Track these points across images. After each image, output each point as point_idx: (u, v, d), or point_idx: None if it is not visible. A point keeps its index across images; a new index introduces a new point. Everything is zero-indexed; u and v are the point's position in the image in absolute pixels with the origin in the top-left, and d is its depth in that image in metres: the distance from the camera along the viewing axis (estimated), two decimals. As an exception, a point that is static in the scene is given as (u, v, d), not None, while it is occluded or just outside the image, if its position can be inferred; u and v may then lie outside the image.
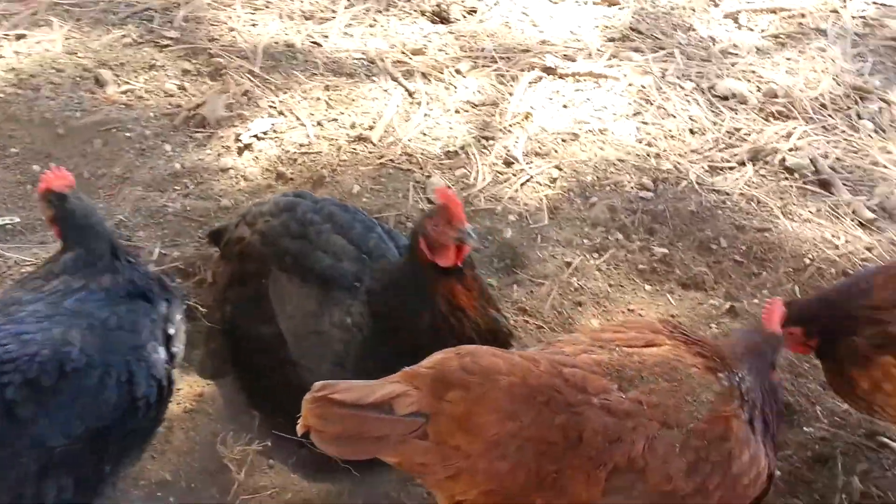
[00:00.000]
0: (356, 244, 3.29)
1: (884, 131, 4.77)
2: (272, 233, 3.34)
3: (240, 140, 4.42)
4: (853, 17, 5.65)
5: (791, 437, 3.45)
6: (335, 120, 4.54)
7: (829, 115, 4.85)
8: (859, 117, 4.86)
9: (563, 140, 4.50)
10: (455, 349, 2.23)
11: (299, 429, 2.15)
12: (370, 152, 4.36)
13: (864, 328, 2.92)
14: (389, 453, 2.11)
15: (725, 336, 2.71)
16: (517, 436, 2.08)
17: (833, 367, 3.10)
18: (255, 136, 4.43)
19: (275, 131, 4.47)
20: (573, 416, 2.12)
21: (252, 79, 4.71)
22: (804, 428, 3.49)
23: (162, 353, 2.81)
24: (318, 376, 3.21)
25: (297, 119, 4.53)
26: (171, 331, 2.87)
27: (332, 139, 4.43)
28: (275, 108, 4.58)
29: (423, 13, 5.41)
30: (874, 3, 5.79)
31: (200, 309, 3.62)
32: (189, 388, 3.38)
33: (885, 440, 3.43)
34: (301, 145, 4.39)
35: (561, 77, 4.95)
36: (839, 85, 5.07)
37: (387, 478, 3.19)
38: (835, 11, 5.69)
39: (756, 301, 3.89)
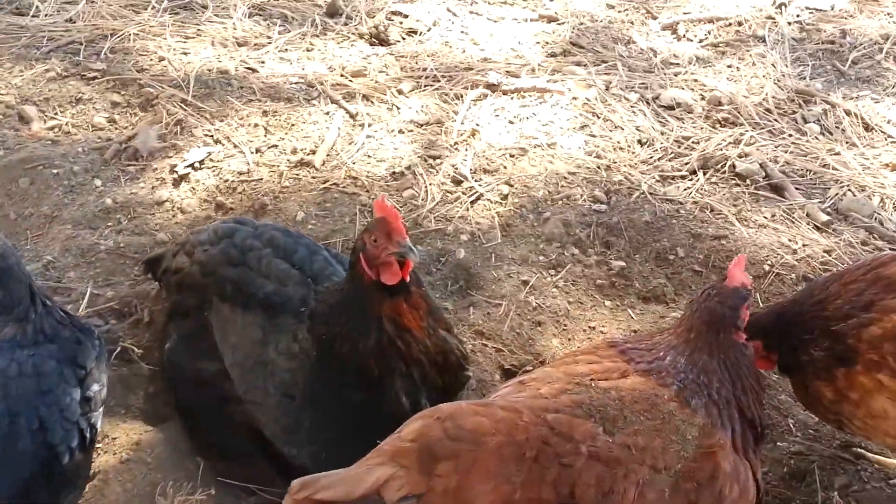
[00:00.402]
0: (301, 268, 3.14)
1: (830, 133, 4.77)
2: (211, 262, 3.17)
3: (175, 171, 4.21)
4: (789, 24, 5.71)
5: (765, 454, 3.33)
6: (275, 146, 4.36)
7: (775, 120, 4.85)
8: (805, 121, 4.87)
9: (512, 156, 4.39)
10: (432, 412, 2.08)
11: None
12: (313, 177, 4.18)
13: (821, 340, 2.82)
14: None
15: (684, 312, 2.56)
16: (511, 500, 1.97)
17: (797, 381, 3.00)
18: (191, 165, 4.22)
19: (212, 160, 4.26)
20: (563, 469, 2.02)
21: (185, 108, 4.51)
22: (778, 443, 3.38)
23: (76, 395, 2.59)
24: (265, 411, 3.06)
25: (235, 146, 4.33)
26: (82, 373, 2.65)
27: (273, 165, 4.24)
28: (211, 136, 4.38)
29: (360, 36, 5.29)
30: (807, 8, 5.87)
31: (136, 350, 3.38)
32: (126, 436, 3.13)
33: (862, 451, 3.33)
34: (240, 173, 4.19)
35: (505, 94, 4.86)
36: (782, 89, 5.08)
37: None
38: (771, 18, 5.74)
39: (718, 309, 3.80)
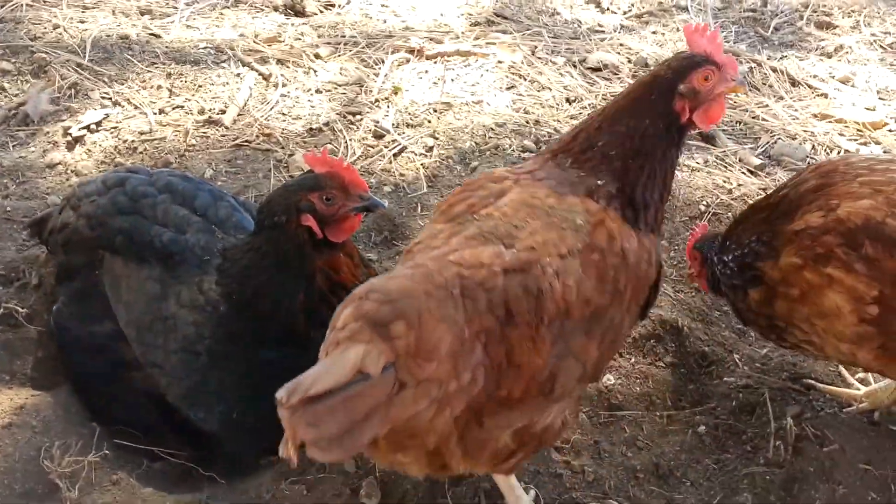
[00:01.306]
0: (204, 214, 2.83)
1: (758, 89, 4.71)
2: (99, 213, 2.84)
3: (69, 134, 3.86)
4: (710, -4, 5.70)
5: (711, 389, 3.15)
6: (181, 107, 4.05)
7: (702, 78, 4.76)
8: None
9: (436, 111, 4.18)
10: (350, 299, 1.95)
11: (289, 451, 1.82)
12: (223, 135, 3.89)
13: (743, 235, 2.74)
14: (383, 424, 1.88)
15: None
16: (463, 338, 1.95)
17: (738, 296, 2.82)
18: (87, 128, 3.88)
19: (110, 122, 3.92)
20: (489, 292, 2.00)
21: (81, 71, 4.17)
22: (724, 378, 3.19)
23: None
24: (166, 372, 2.72)
25: (136, 108, 4.01)
26: None
27: (178, 125, 3.93)
28: (109, 98, 4.05)
29: (275, 8, 5.04)
30: (728, -18, 5.89)
31: (19, 310, 3.00)
32: (9, 400, 2.74)
33: (812, 382, 3.17)
34: (141, 133, 3.86)
35: (428, 58, 4.67)
36: (707, 51, 5.01)
37: (257, 481, 2.64)
38: (693, -10, 5.73)
39: (656, 252, 3.63)
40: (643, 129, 2.32)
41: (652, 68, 2.45)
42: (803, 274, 2.54)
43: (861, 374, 3.26)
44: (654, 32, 5.24)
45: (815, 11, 5.40)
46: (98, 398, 2.90)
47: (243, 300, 2.62)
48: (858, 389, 3.13)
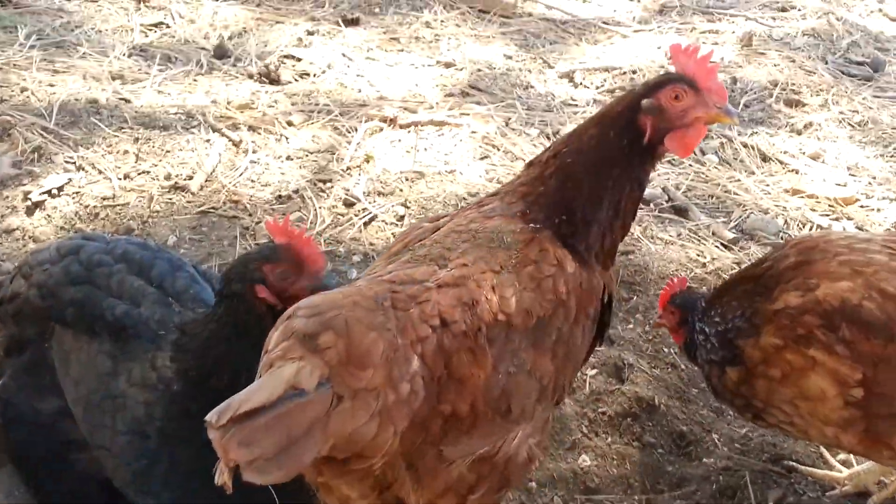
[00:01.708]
0: (160, 285, 2.69)
1: (729, 164, 4.73)
2: (51, 282, 2.68)
3: (29, 198, 3.75)
4: (681, 72, 5.79)
5: (690, 472, 3.04)
6: (147, 172, 3.96)
7: (675, 152, 4.78)
8: (703, 153, 4.83)
9: (408, 179, 4.12)
10: (281, 318, 1.91)
11: (223, 475, 1.74)
12: (188, 202, 3.79)
13: (724, 311, 2.67)
14: (323, 441, 1.79)
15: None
16: (396, 347, 1.90)
17: (714, 372, 2.74)
18: (48, 192, 3.77)
19: (73, 186, 3.82)
20: (422, 305, 1.96)
21: (46, 135, 4.08)
22: (703, 459, 3.09)
23: None
24: (113, 454, 2.55)
25: (100, 172, 3.92)
26: None
27: (143, 191, 3.83)
28: (73, 163, 3.96)
29: (250, 76, 5.03)
30: (698, 60, 5.99)
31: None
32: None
33: (793, 464, 3.07)
34: (104, 198, 3.76)
35: (402, 127, 4.65)
36: (679, 126, 5.05)
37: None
38: (663, 68, 5.81)
39: (630, 326, 3.55)
40: (606, 140, 2.22)
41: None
42: (784, 355, 2.46)
43: (843, 456, 3.16)
44: (626, 106, 5.28)
45: (784, 90, 5.49)
46: (42, 480, 2.72)
47: (202, 374, 2.48)
48: (841, 472, 3.03)
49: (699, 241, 4.00)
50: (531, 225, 2.22)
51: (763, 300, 2.56)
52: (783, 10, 6.56)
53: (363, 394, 1.82)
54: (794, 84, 5.54)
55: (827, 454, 3.14)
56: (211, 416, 1.71)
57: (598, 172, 2.23)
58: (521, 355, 2.06)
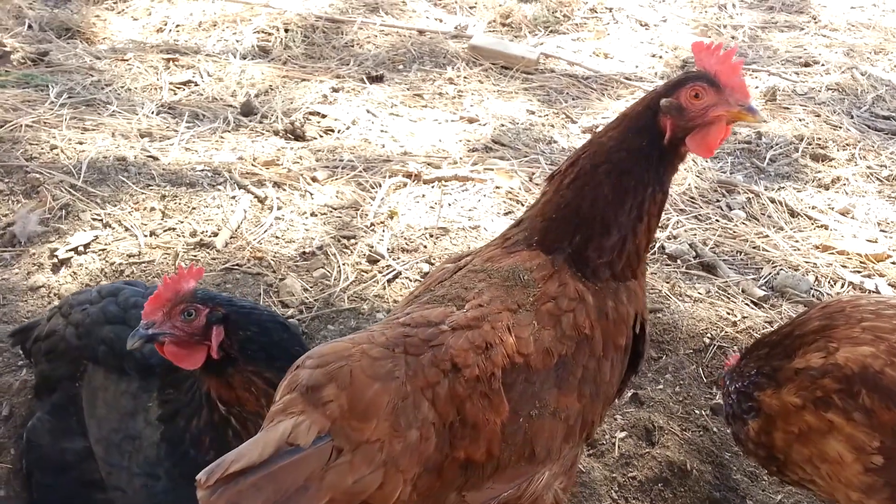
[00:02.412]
0: None
1: (756, 219, 4.68)
2: (87, 322, 2.75)
3: (55, 256, 3.76)
4: (705, 127, 5.77)
5: (725, 539, 2.92)
6: (172, 229, 3.98)
7: (700, 207, 4.74)
8: (730, 208, 4.78)
9: (432, 235, 4.10)
10: (292, 367, 1.89)
11: None
12: (213, 258, 3.79)
13: (747, 365, 2.68)
14: (319, 496, 1.76)
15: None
16: (405, 394, 1.86)
17: (738, 426, 2.72)
18: (74, 250, 3.78)
19: (99, 244, 3.84)
20: (435, 349, 1.92)
21: (73, 192, 4.12)
22: (738, 527, 2.98)
23: None
24: (129, 498, 2.53)
25: (127, 230, 3.93)
26: None
27: (168, 248, 3.84)
28: (100, 220, 3.98)
29: (275, 133, 5.08)
30: (721, 114, 5.98)
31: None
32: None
33: (827, 530, 2.95)
34: (129, 256, 3.77)
35: (426, 182, 4.65)
36: (704, 181, 5.02)
37: None
38: (687, 122, 5.80)
39: (660, 387, 3.47)
40: (626, 142, 2.17)
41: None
42: (803, 415, 2.41)
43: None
44: (650, 161, 5.26)
45: (810, 144, 5.45)
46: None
47: (171, 416, 2.54)
48: (884, 544, 2.91)
49: (728, 298, 3.92)
50: (550, 256, 2.16)
51: (785, 360, 2.52)
52: (806, 65, 6.55)
53: (365, 446, 1.80)
54: (819, 138, 5.50)
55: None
56: (201, 476, 1.71)
57: (620, 173, 2.17)
58: (543, 397, 2.01)
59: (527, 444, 1.99)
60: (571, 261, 2.17)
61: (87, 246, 3.81)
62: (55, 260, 3.75)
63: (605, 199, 2.19)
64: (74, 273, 3.70)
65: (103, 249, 3.81)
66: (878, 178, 5.16)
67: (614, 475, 3.09)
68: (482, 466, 1.96)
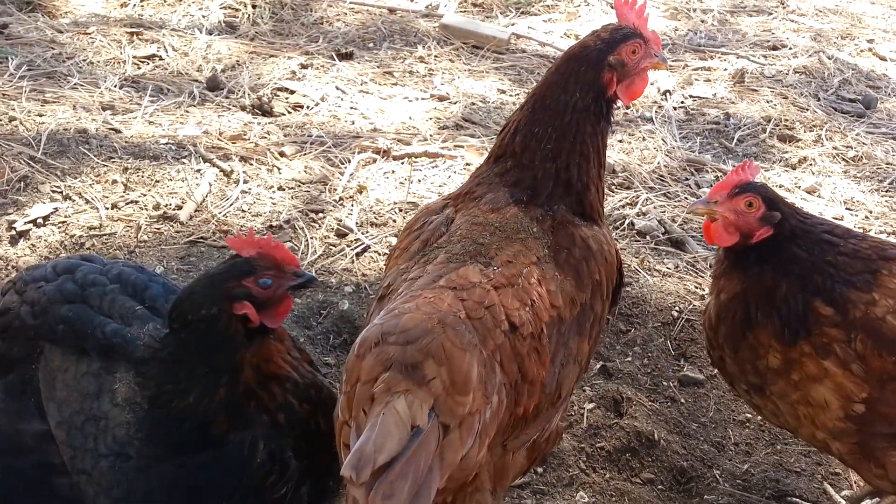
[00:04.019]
0: (153, 306, 2.64)
1: (724, 197, 4.69)
2: (44, 300, 2.63)
3: (13, 228, 3.67)
4: (674, 108, 5.79)
5: (691, 508, 2.94)
6: (135, 202, 3.90)
7: (669, 185, 4.75)
8: (698, 186, 4.80)
9: (402, 210, 4.07)
10: (364, 345, 1.86)
11: None
12: (177, 232, 3.72)
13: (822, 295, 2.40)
14: (441, 475, 1.79)
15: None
16: (484, 361, 1.88)
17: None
18: (33, 222, 3.69)
19: (59, 216, 3.74)
20: (490, 309, 1.96)
21: (32, 164, 4.01)
22: (705, 496, 3.00)
23: None
24: (95, 480, 2.46)
25: (88, 202, 3.84)
26: None
27: (130, 220, 3.76)
28: (59, 192, 3.89)
29: (242, 108, 4.99)
30: (690, 96, 5.99)
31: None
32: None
33: (796, 500, 2.99)
34: (90, 228, 3.69)
35: (395, 159, 4.61)
36: (673, 160, 5.04)
37: None
38: (656, 103, 5.82)
39: (629, 359, 3.47)
40: (573, 104, 2.29)
41: (580, 39, 2.46)
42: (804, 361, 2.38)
43: (847, 492, 3.07)
44: (620, 141, 5.26)
45: (778, 125, 5.49)
46: (20, 506, 2.62)
47: (165, 399, 2.44)
48: (846, 508, 2.94)
49: (697, 273, 3.94)
50: (546, 209, 2.25)
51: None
52: (774, 48, 6.60)
53: (468, 419, 1.82)
54: (787, 120, 5.54)
55: (831, 490, 3.05)
56: (349, 473, 1.69)
57: (583, 132, 2.30)
58: (570, 345, 2.10)
59: (557, 390, 2.10)
60: (566, 207, 2.28)
61: (46, 218, 3.72)
62: (13, 232, 3.66)
63: (577, 163, 2.33)
64: (33, 245, 3.61)
65: (63, 222, 3.73)
66: (843, 159, 5.21)
67: (582, 445, 3.09)
68: (527, 417, 2.03)
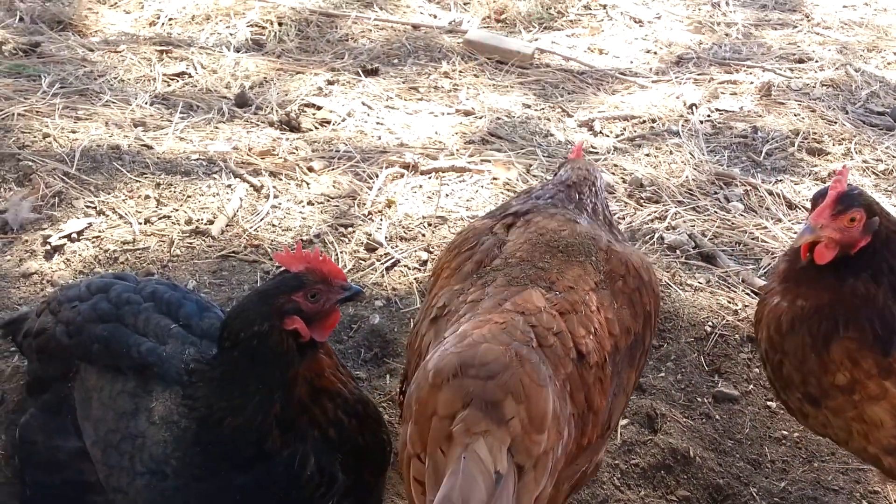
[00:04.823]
0: (187, 325, 2.65)
1: (755, 211, 4.67)
2: (79, 320, 2.66)
3: (48, 243, 3.71)
4: (701, 122, 5.76)
5: (729, 527, 2.89)
6: (167, 217, 3.93)
7: (698, 199, 4.73)
8: (728, 200, 4.77)
9: (430, 224, 4.07)
10: (440, 375, 1.79)
11: None
12: (209, 246, 3.74)
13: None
14: None
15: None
16: (559, 394, 1.84)
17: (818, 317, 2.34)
18: (68, 237, 3.73)
19: (92, 231, 3.78)
20: (559, 336, 1.92)
21: (66, 180, 4.06)
22: (741, 515, 2.95)
23: None
24: (130, 499, 2.46)
25: (121, 217, 3.88)
26: None
27: (163, 235, 3.79)
28: (93, 207, 3.92)
29: (270, 124, 5.03)
30: (717, 109, 5.97)
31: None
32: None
33: (833, 518, 2.93)
34: (124, 243, 3.72)
35: (423, 173, 4.62)
36: (701, 173, 5.01)
37: None
38: (682, 117, 5.79)
39: (662, 374, 3.44)
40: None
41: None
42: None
43: (888, 511, 3.02)
44: (647, 154, 5.25)
45: (806, 139, 5.45)
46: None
47: (215, 418, 2.43)
48: (888, 528, 2.89)
49: (729, 288, 3.91)
50: (598, 233, 2.27)
51: None
52: (800, 61, 6.56)
53: (542, 458, 1.78)
54: (815, 133, 5.50)
55: (871, 509, 3.00)
56: None
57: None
58: (622, 375, 2.06)
59: (608, 420, 2.07)
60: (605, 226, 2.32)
61: (80, 233, 3.76)
62: (48, 247, 3.69)
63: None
64: (68, 260, 3.64)
65: (97, 237, 3.76)
66: (874, 172, 5.17)
67: (617, 462, 3.05)
68: (585, 446, 2.00)
